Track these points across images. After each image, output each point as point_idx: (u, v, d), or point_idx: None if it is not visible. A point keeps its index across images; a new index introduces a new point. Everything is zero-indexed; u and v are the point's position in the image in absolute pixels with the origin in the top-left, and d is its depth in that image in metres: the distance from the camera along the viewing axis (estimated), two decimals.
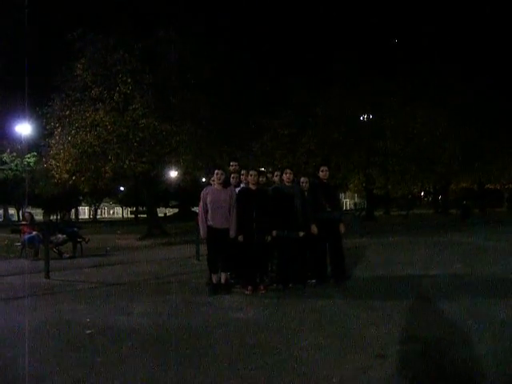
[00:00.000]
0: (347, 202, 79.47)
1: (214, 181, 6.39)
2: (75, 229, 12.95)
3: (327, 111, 25.51)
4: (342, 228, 6.87)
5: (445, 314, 4.85)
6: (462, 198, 42.44)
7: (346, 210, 65.59)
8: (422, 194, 66.11)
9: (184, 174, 22.59)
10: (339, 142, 25.44)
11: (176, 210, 61.97)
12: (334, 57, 27.30)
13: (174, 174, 27.17)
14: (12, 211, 59.63)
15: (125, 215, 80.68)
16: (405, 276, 7.39)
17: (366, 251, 11.30)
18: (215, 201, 6.22)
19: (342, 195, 68.24)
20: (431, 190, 49.16)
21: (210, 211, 6.23)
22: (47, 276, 8.20)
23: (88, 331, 4.53)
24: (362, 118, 28.98)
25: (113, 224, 42.13)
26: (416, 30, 38.33)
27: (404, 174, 27.85)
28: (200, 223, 6.33)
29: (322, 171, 7.01)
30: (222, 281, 6.36)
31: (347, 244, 11.23)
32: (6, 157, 55.21)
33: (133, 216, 64.08)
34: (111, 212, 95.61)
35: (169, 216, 56.85)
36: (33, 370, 3.43)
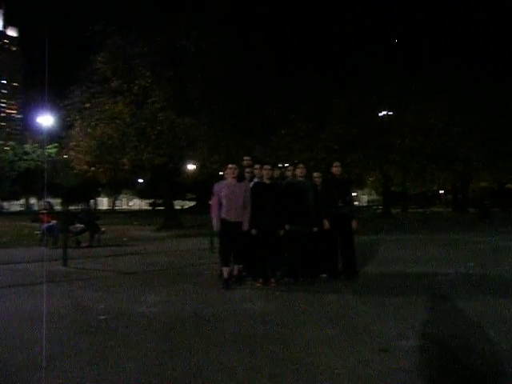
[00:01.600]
0: (364, 198, 78.97)
1: (228, 175, 6.48)
2: (96, 220, 13.21)
3: (346, 107, 25.37)
4: (354, 224, 6.89)
5: (453, 312, 4.88)
6: (481, 197, 41.86)
7: (362, 206, 65.22)
8: (442, 192, 65.30)
9: (201, 167, 22.75)
10: (357, 138, 25.29)
11: (193, 203, 62.51)
12: (353, 52, 27.13)
13: (191, 167, 27.38)
14: (33, 201, 60.86)
15: (142, 207, 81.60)
16: (416, 273, 7.39)
17: (379, 248, 11.29)
18: (230, 195, 6.31)
19: (359, 192, 67.83)
20: (450, 189, 48.52)
21: (224, 205, 6.33)
22: (65, 264, 8.45)
23: (102, 317, 4.68)
24: (380, 115, 28.70)
25: (130, 215, 42.69)
26: (437, 25, 37.80)
27: (422, 171, 27.59)
28: (213, 216, 6.43)
29: (335, 166, 7.05)
30: (235, 273, 6.47)
31: (361, 240, 11.29)
32: (28, 147, 56.39)
33: (150, 208, 64.79)
34: (129, 203, 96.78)
35: (186, 209, 57.28)
36: (48, 351, 3.58)
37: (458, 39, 33.06)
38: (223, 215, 6.33)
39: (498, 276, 7.07)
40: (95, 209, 58.84)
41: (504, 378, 3.15)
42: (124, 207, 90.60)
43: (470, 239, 13.64)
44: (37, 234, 12.86)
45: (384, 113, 28.49)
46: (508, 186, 44.16)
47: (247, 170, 7.01)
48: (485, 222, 23.46)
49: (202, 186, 41.25)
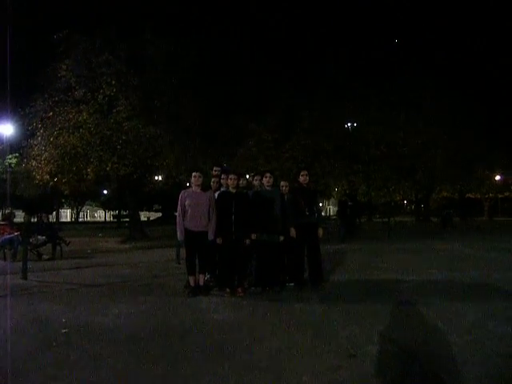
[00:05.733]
0: (331, 208, 79.83)
1: (192, 183, 6.47)
2: (56, 232, 12.83)
3: (312, 118, 25.67)
4: (320, 232, 6.93)
5: (417, 317, 4.97)
6: (443, 207, 43.12)
7: (329, 216, 65.92)
8: (405, 202, 66.81)
9: (167, 177, 22.46)
10: (323, 149, 25.57)
11: (159, 214, 61.66)
12: (319, 64, 27.56)
13: (157, 177, 27.01)
14: None
15: (107, 218, 79.82)
16: (381, 280, 7.51)
17: (345, 256, 11.43)
18: (194, 204, 6.29)
19: (325, 202, 68.60)
20: (413, 199, 49.72)
21: (188, 214, 6.29)
22: (25, 277, 8.14)
23: (64, 330, 4.52)
24: (346, 125, 29.18)
25: (95, 227, 41.70)
26: (400, 39, 39.07)
27: (386, 181, 28.13)
28: (178, 226, 6.37)
29: (302, 175, 7.10)
30: (201, 283, 6.41)
31: (327, 249, 11.41)
32: None
33: (115, 219, 63.43)
34: (94, 215, 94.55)
35: (152, 220, 56.44)
36: (8, 367, 3.43)
37: (420, 50, 34.22)
38: (187, 224, 6.29)
39: (460, 282, 7.26)
40: (57, 220, 57.17)
41: (465, 382, 3.21)
42: (88, 219, 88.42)
43: (432, 247, 14.00)
44: None
45: (349, 124, 29.01)
46: (468, 195, 45.65)
47: (214, 179, 7.00)
48: (446, 231, 24.16)
49: (168, 197, 40.73)
